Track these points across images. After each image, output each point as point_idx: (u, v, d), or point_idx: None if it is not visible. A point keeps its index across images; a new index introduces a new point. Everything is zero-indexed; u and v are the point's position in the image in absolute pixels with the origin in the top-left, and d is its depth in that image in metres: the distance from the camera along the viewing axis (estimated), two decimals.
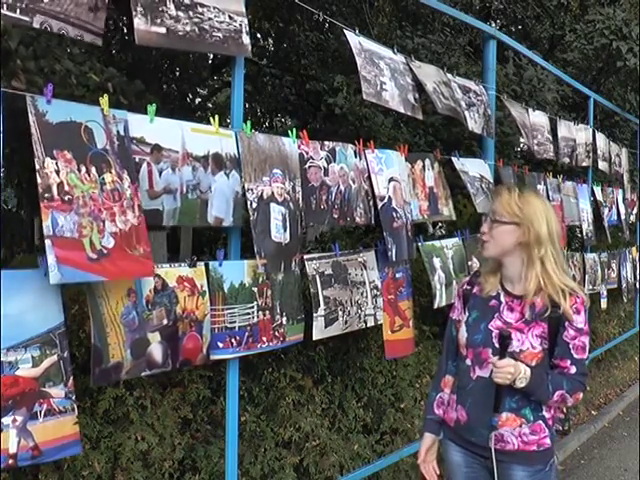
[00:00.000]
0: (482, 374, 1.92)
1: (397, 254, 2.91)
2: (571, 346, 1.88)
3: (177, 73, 7.29)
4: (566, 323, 1.87)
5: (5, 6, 1.66)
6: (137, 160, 1.97)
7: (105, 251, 1.80)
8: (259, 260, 2.29)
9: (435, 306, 3.32)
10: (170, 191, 2.06)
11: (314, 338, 2.65)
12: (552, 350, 1.89)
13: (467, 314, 2.02)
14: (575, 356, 1.89)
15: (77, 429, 1.87)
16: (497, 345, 1.86)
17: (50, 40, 3.73)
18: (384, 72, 2.87)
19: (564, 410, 2.07)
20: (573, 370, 1.89)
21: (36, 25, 1.75)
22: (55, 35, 3.93)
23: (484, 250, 1.97)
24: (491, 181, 3.74)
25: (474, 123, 3.53)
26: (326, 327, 2.69)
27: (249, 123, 2.32)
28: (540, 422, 1.91)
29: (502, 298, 1.96)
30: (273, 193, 2.34)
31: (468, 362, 1.97)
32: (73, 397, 1.86)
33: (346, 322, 2.79)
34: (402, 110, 2.97)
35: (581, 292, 1.92)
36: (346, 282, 2.80)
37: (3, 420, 1.69)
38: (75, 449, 1.88)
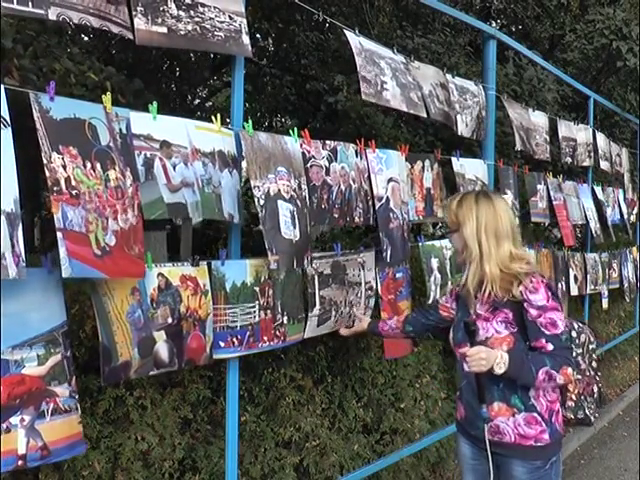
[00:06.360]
0: (468, 369, 1.98)
1: (392, 255, 2.91)
2: (539, 324, 1.89)
3: (177, 73, 7.28)
4: (525, 304, 1.90)
5: (15, 0, 1.61)
6: (149, 155, 1.95)
7: (108, 248, 1.79)
8: (271, 257, 2.25)
9: None
10: (188, 184, 2.05)
11: (305, 336, 2.66)
12: (527, 334, 1.93)
13: (456, 315, 2.16)
14: (547, 333, 1.89)
15: (81, 428, 1.86)
16: (464, 336, 1.96)
17: (49, 39, 3.72)
18: (385, 71, 2.86)
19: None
20: (550, 347, 1.89)
21: (52, 17, 1.70)
22: (54, 34, 3.92)
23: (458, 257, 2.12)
24: (487, 183, 3.74)
25: (465, 127, 3.54)
26: (318, 326, 2.71)
27: (251, 122, 2.31)
28: (534, 414, 1.93)
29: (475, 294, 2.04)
30: (280, 190, 2.33)
31: (459, 359, 2.07)
32: (76, 396, 1.85)
33: (337, 321, 2.80)
34: (405, 109, 2.96)
35: (536, 269, 1.97)
36: (343, 282, 2.80)
37: (11, 420, 1.68)
38: (80, 448, 1.87)
